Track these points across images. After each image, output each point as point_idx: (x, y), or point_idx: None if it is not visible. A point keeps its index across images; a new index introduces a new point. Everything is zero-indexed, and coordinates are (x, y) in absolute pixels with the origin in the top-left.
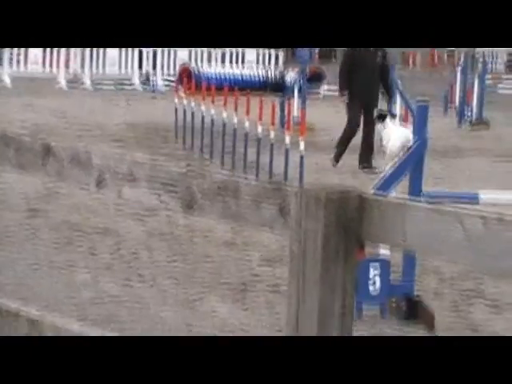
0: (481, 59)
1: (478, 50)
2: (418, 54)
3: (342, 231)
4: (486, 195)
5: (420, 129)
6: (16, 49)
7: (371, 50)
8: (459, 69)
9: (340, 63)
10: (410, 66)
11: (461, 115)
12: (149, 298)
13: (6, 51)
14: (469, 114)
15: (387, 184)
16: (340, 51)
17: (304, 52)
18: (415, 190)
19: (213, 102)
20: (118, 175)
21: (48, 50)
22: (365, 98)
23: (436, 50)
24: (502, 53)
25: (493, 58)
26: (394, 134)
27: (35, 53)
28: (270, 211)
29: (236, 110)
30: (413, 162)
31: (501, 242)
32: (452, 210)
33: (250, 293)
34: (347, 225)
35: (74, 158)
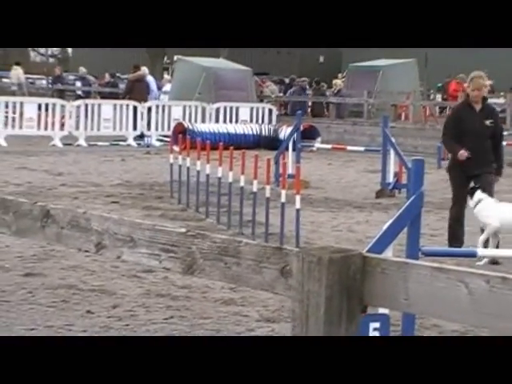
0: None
1: None
2: (410, 108)
3: (344, 292)
4: (483, 252)
5: (416, 182)
6: (11, 109)
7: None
8: None
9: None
10: (402, 119)
11: None
12: None
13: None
14: None
15: (384, 241)
16: (332, 109)
17: (298, 109)
18: (413, 245)
19: (208, 160)
20: (118, 239)
21: (43, 111)
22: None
23: (428, 105)
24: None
25: None
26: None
27: (30, 115)
28: (271, 272)
29: (231, 167)
30: (410, 216)
31: (504, 302)
32: (455, 269)
33: None
34: (350, 285)
35: (73, 221)
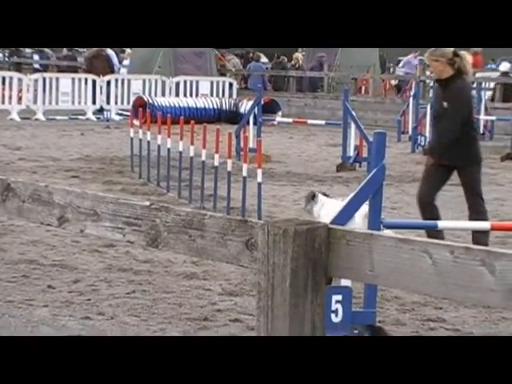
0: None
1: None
2: (370, 82)
3: (310, 264)
4: (443, 224)
5: (378, 156)
6: None
7: None
8: (411, 96)
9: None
10: (363, 93)
11: (414, 142)
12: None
13: None
14: (422, 140)
15: (347, 213)
16: (292, 83)
17: (257, 82)
18: (375, 218)
19: (168, 134)
20: (81, 212)
21: (0, 84)
22: None
23: (387, 78)
24: None
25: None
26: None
27: None
28: (236, 245)
29: (192, 141)
30: (371, 189)
31: (468, 272)
32: (420, 240)
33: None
34: (315, 257)
35: (35, 195)
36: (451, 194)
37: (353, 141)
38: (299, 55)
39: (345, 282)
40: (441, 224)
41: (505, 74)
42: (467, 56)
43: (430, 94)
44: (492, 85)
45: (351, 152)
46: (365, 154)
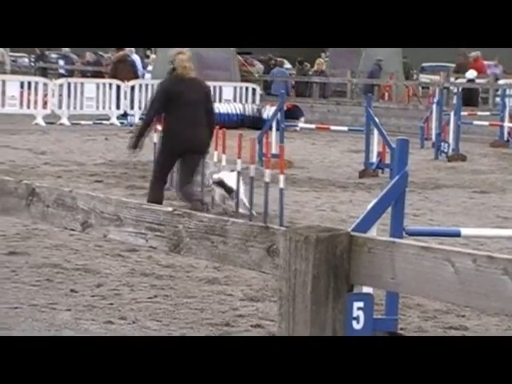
0: (455, 91)
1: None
2: (394, 88)
3: (331, 271)
4: (467, 232)
5: (400, 162)
6: None
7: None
8: (434, 103)
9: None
10: (386, 99)
11: (437, 148)
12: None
13: None
14: (445, 146)
15: (369, 221)
16: (315, 89)
17: (280, 87)
18: (397, 225)
19: None
20: (104, 217)
21: (26, 89)
22: None
23: (411, 84)
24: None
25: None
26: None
27: (13, 93)
28: (258, 251)
29: (216, 146)
30: (394, 196)
31: (490, 281)
32: (442, 249)
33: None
34: (337, 264)
35: (59, 199)
36: (474, 202)
37: (375, 147)
38: (321, 61)
39: (366, 289)
40: (464, 231)
41: (471, 81)
42: None
43: (454, 101)
44: None
45: (374, 158)
46: (387, 161)
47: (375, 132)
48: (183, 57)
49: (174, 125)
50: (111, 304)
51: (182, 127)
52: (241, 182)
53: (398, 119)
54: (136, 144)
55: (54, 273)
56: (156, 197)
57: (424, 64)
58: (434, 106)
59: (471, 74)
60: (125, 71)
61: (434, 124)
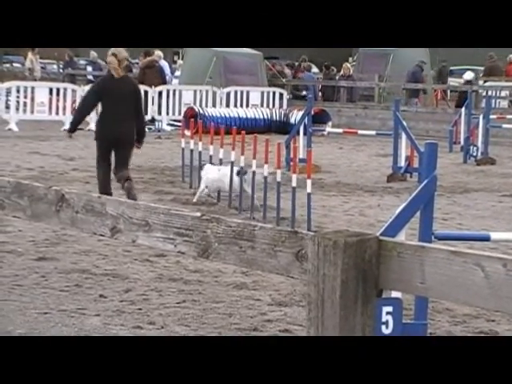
0: (483, 94)
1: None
2: (421, 92)
3: (360, 276)
4: (496, 236)
5: (429, 166)
6: (23, 94)
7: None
8: (463, 106)
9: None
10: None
11: (466, 152)
12: None
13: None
14: (474, 150)
15: (397, 225)
16: (343, 93)
17: (309, 92)
18: (426, 229)
19: (221, 144)
20: (133, 223)
21: (55, 95)
22: None
23: (439, 88)
24: (504, 89)
25: (495, 94)
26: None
27: (42, 100)
28: (286, 256)
29: (243, 151)
30: (423, 200)
31: None
32: (472, 253)
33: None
34: (365, 269)
35: (88, 205)
36: (503, 205)
37: (404, 151)
38: (348, 65)
39: (395, 294)
40: (494, 236)
41: (468, 82)
42: None
43: (483, 104)
44: None
45: (402, 162)
46: (416, 165)
47: (403, 136)
48: (111, 59)
49: (104, 119)
50: (140, 309)
51: (111, 121)
52: (235, 178)
53: (426, 123)
54: (74, 130)
55: (82, 278)
56: (102, 186)
57: (452, 68)
58: (463, 110)
59: (469, 75)
60: (152, 77)
61: (462, 127)
